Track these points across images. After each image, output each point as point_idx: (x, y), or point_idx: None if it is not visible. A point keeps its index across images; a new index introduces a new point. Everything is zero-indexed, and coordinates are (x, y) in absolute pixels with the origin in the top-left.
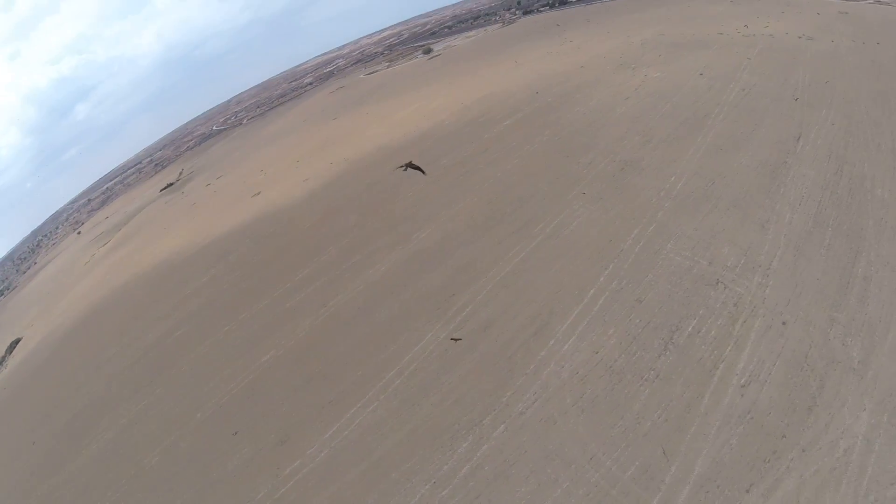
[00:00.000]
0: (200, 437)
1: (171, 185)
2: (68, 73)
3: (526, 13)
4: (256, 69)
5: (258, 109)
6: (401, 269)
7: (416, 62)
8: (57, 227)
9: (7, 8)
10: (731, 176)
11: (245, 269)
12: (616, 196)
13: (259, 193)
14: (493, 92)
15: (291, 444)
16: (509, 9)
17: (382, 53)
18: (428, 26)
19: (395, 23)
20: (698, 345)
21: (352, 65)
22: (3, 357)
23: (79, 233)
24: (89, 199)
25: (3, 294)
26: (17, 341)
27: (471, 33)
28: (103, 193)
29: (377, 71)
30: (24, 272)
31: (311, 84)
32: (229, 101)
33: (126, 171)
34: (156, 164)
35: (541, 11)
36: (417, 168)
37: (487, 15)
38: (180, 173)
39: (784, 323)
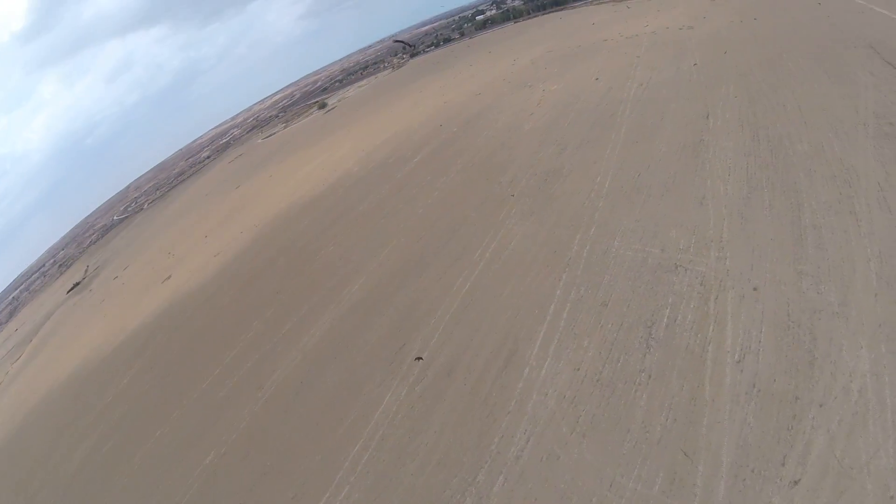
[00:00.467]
0: None
1: (78, 283)
2: None
3: (413, 56)
4: (151, 149)
5: (158, 192)
6: (337, 329)
7: (312, 118)
8: None
9: None
10: (655, 164)
11: (166, 362)
12: (548, 207)
13: (170, 277)
14: (397, 132)
15: None
16: (396, 54)
17: (277, 116)
18: (319, 83)
19: (286, 84)
20: (680, 333)
21: (248, 132)
22: None
23: None
24: None
25: None
26: None
27: (362, 83)
28: (9, 304)
29: (274, 133)
30: None
31: (209, 157)
32: (127, 187)
33: (31, 277)
34: (60, 265)
35: (427, 52)
36: (404, 43)
37: (376, 63)
38: (86, 270)
39: (755, 288)
